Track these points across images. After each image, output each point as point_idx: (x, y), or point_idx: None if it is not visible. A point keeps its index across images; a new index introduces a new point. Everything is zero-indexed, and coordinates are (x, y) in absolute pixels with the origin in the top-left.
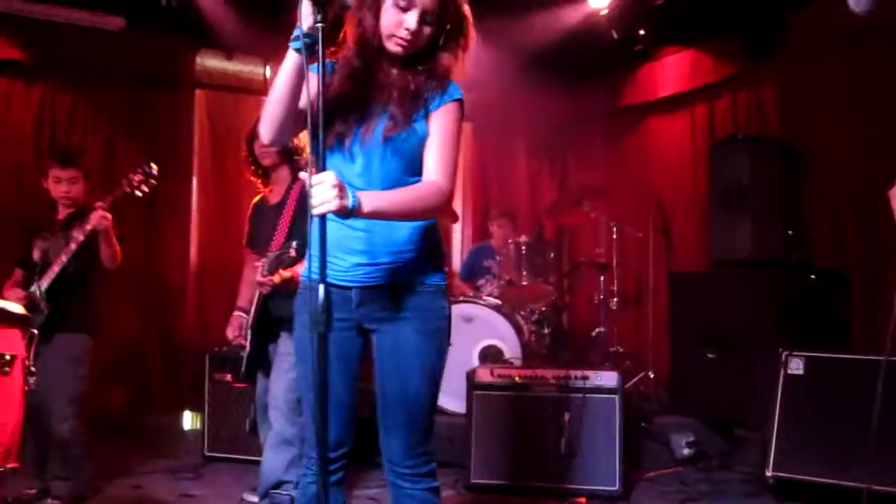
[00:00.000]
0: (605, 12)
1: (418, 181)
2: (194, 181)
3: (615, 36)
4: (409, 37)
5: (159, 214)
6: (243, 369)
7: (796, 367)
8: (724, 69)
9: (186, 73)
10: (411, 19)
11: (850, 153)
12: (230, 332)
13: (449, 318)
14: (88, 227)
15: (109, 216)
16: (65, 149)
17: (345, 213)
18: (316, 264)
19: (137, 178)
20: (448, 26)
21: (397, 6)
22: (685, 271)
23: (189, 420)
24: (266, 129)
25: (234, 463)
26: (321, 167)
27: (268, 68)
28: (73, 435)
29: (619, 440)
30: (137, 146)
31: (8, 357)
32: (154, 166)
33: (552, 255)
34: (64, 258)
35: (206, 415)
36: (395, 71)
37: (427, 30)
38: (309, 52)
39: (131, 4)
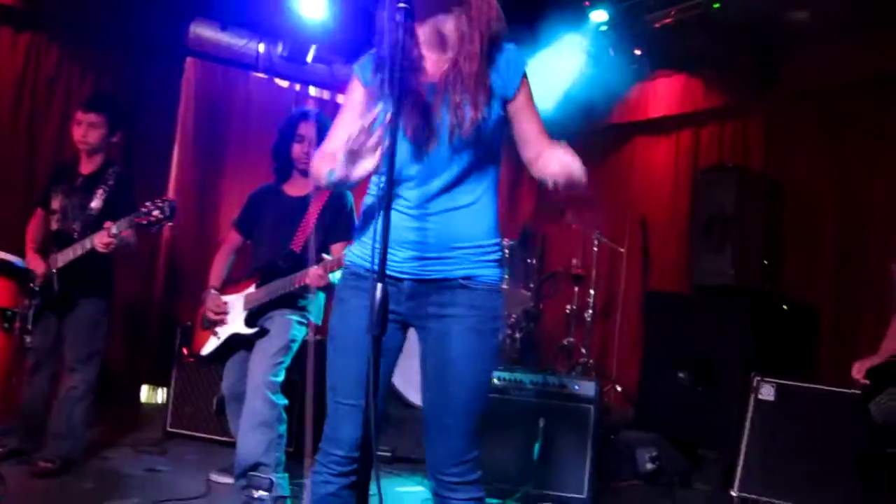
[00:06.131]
0: (604, 28)
1: (493, 165)
2: (175, 149)
3: (611, 53)
4: None
5: (136, 179)
6: (213, 350)
7: (767, 392)
8: (715, 98)
9: (179, 40)
10: None
11: (830, 192)
12: (211, 314)
13: (501, 318)
14: (89, 245)
15: (111, 245)
16: (94, 94)
17: None
18: (369, 254)
19: (155, 213)
20: None
21: None
22: (662, 291)
23: (146, 394)
24: None
25: (196, 441)
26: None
27: (261, 45)
28: (88, 387)
29: (590, 449)
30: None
31: (10, 314)
32: (173, 208)
33: (533, 261)
34: (78, 251)
35: (171, 390)
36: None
37: None
38: None
39: None
